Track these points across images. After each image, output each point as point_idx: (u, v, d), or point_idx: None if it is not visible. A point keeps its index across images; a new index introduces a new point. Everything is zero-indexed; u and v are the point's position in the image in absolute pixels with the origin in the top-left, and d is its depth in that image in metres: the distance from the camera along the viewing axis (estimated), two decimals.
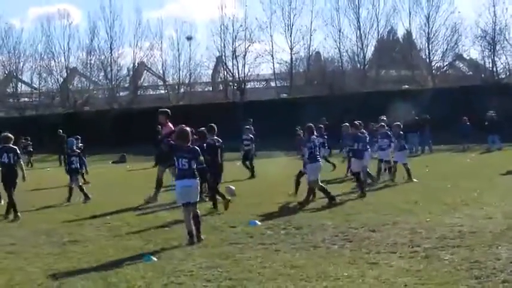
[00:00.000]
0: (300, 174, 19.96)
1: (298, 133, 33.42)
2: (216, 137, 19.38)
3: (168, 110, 21.02)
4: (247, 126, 29.31)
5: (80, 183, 22.07)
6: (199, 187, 13.47)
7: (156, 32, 73.54)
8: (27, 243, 13.74)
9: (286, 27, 68.10)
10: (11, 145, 18.39)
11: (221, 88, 74.42)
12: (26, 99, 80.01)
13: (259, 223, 14.68)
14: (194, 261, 11.05)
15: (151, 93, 77.68)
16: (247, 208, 17.51)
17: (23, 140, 47.33)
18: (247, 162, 28.17)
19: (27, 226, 16.02)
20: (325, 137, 27.60)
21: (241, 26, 68.12)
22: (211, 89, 76.47)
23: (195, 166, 13.17)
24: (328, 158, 29.12)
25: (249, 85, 71.55)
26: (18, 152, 18.68)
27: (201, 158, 13.53)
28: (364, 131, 22.84)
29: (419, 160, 34.75)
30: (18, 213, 17.84)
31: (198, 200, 13.37)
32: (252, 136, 28.70)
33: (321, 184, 18.51)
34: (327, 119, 44.55)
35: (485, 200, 17.12)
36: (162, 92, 76.32)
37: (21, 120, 65.82)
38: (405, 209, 15.92)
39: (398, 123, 25.09)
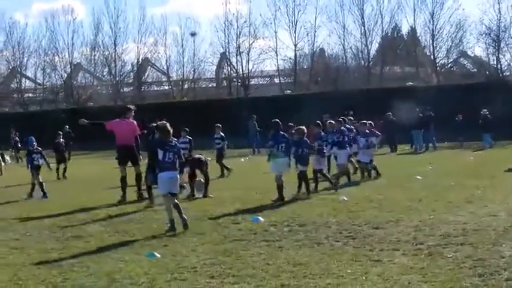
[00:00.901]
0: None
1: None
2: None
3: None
4: (218, 125, 28.34)
5: (41, 180, 22.05)
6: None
7: (160, 28, 73.89)
8: (30, 238, 13.77)
9: (291, 24, 68.23)
10: None
11: (225, 84, 74.46)
12: (30, 94, 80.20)
13: (262, 220, 14.67)
14: (197, 257, 11.06)
15: (155, 89, 77.83)
16: (250, 205, 17.51)
17: (13, 135, 47.54)
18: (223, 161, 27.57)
19: (30, 222, 16.03)
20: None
21: (245, 22, 68.27)
22: (215, 85, 76.54)
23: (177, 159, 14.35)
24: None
25: (253, 81, 71.62)
26: None
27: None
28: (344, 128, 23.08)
29: (423, 158, 34.79)
30: None
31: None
32: (222, 134, 28.00)
33: (281, 181, 18.53)
34: (330, 116, 44.57)
35: (488, 197, 17.13)
36: (166, 88, 76.45)
37: (25, 115, 65.88)
38: (409, 207, 15.91)
39: (365, 121, 24.99)
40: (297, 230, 13.37)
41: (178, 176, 14.65)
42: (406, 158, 35.93)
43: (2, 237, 13.94)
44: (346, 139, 22.57)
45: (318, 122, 22.97)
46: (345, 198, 17.56)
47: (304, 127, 20.25)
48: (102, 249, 12.16)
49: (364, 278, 9.32)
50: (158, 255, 11.29)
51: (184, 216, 14.07)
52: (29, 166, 22.49)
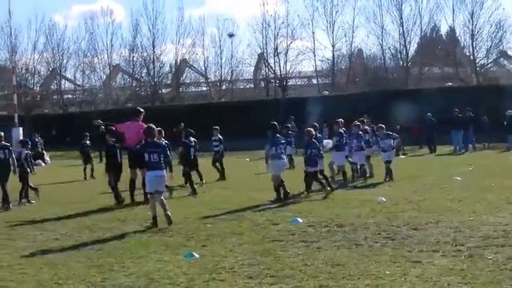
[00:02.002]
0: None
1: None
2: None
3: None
4: (215, 127, 27.91)
5: (31, 184, 22.06)
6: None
7: (198, 29, 73.83)
8: (70, 238, 13.90)
9: (328, 24, 68.00)
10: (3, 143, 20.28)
11: (263, 85, 74.45)
12: (70, 96, 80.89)
13: (300, 221, 14.66)
14: (236, 258, 11.08)
15: (193, 90, 78.01)
16: (289, 206, 17.53)
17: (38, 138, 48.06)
18: (217, 164, 27.43)
19: (70, 221, 16.18)
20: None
21: (283, 22, 68.08)
22: (252, 86, 76.56)
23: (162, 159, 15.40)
24: (292, 157, 30.01)
25: (290, 82, 71.43)
26: (11, 149, 20.60)
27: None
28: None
29: (463, 158, 34.50)
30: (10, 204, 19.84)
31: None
32: (220, 137, 27.70)
33: (279, 182, 19.12)
34: (368, 116, 44.43)
35: None
36: (204, 89, 76.64)
37: (64, 117, 66.50)
38: (448, 208, 15.79)
39: (358, 122, 24.82)
40: (335, 231, 13.34)
41: (164, 174, 15.61)
42: (445, 158, 35.64)
43: (42, 237, 14.09)
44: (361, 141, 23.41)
45: (315, 124, 22.85)
46: (383, 199, 17.48)
47: (312, 129, 20.73)
48: (141, 250, 12.23)
49: (403, 279, 9.26)
50: (196, 256, 11.33)
51: (168, 213, 14.87)
52: None
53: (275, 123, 20.07)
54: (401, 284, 9.04)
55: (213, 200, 19.61)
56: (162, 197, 15.35)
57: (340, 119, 24.36)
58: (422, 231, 12.89)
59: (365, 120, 28.09)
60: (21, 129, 50.51)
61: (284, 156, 19.96)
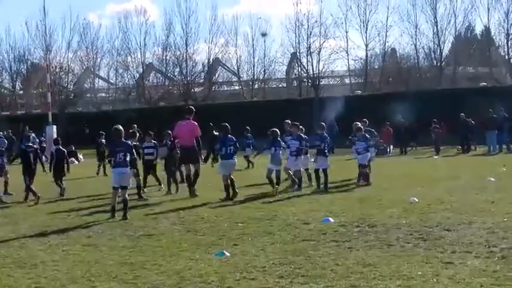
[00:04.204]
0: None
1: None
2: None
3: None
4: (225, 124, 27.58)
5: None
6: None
7: (231, 28, 74.08)
8: (103, 236, 14.00)
9: (362, 24, 67.97)
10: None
11: (295, 84, 74.42)
12: (103, 94, 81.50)
13: (332, 220, 14.64)
14: (267, 257, 11.09)
15: (225, 89, 78.21)
16: (320, 205, 17.51)
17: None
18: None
19: (103, 219, 16.29)
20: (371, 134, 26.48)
21: (316, 22, 68.04)
22: (285, 85, 76.54)
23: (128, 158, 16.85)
24: (249, 158, 31.34)
25: (323, 81, 71.32)
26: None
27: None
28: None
29: (496, 159, 34.17)
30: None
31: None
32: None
33: (228, 181, 19.91)
34: (402, 116, 44.26)
35: None
36: (236, 88, 76.84)
37: (98, 115, 66.96)
38: (482, 209, 15.66)
39: (359, 124, 24.23)
40: (367, 231, 13.30)
41: (129, 171, 17.17)
42: (479, 159, 35.34)
43: (75, 235, 14.21)
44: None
45: (296, 123, 22.83)
46: (416, 200, 17.39)
47: (276, 129, 21.83)
48: (172, 248, 12.29)
49: (435, 280, 9.21)
50: (228, 254, 11.36)
51: (127, 209, 16.53)
52: None
53: (226, 124, 20.59)
54: (433, 285, 8.99)
55: (244, 199, 19.65)
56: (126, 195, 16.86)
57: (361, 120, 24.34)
58: (455, 232, 12.81)
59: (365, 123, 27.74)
60: (55, 127, 50.95)
61: (234, 157, 20.48)
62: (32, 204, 20.38)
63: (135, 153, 18.20)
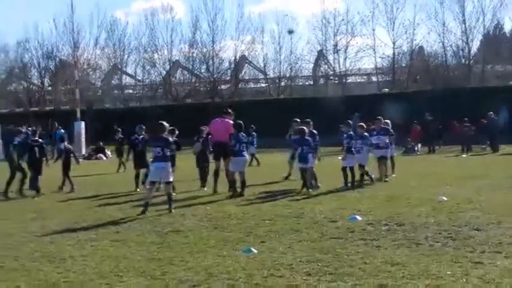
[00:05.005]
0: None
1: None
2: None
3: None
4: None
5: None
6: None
7: (258, 26, 74.52)
8: (131, 231, 14.05)
9: (389, 21, 67.65)
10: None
11: (322, 82, 74.29)
12: (130, 91, 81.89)
13: (360, 218, 14.60)
14: (294, 254, 11.08)
15: (251, 86, 78.24)
16: (348, 203, 17.47)
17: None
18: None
19: (132, 215, 16.35)
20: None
21: (342, 19, 68.06)
22: (311, 83, 76.43)
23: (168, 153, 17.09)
24: (255, 155, 31.94)
25: (350, 79, 71.18)
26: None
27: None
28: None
29: None
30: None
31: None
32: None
33: (234, 177, 20.38)
34: (430, 115, 44.02)
35: None
36: (263, 85, 76.83)
37: (125, 111, 67.27)
38: (511, 208, 15.54)
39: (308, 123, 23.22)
40: (395, 230, 13.25)
41: (169, 166, 17.18)
42: (507, 158, 35.03)
43: (104, 230, 14.28)
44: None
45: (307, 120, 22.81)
46: (445, 199, 17.30)
47: (305, 127, 21.53)
48: (200, 244, 12.32)
49: (464, 280, 9.16)
50: (255, 251, 11.37)
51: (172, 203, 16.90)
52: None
53: (240, 122, 20.84)
54: (463, 285, 8.94)
55: (271, 196, 19.67)
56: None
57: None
58: (484, 231, 12.73)
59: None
60: (83, 123, 51.32)
61: (245, 154, 20.82)
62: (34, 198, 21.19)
63: (174, 149, 18.32)
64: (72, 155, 24.12)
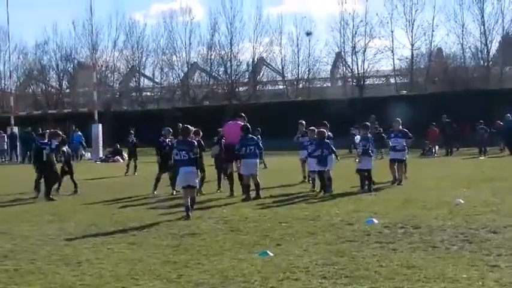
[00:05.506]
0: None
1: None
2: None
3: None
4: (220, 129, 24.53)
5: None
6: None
7: (276, 28, 74.20)
8: (147, 234, 14.09)
9: (408, 23, 67.57)
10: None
11: (340, 84, 74.22)
12: (148, 93, 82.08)
13: (376, 221, 14.56)
14: (310, 257, 11.07)
15: (269, 88, 78.24)
16: (364, 206, 17.44)
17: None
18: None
19: (148, 218, 16.39)
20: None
21: (361, 21, 67.99)
22: (329, 84, 76.40)
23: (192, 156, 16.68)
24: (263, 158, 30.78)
25: (368, 81, 71.06)
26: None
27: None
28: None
29: None
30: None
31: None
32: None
33: (249, 181, 20.20)
34: (447, 117, 43.83)
35: None
36: (281, 87, 76.87)
37: (143, 114, 67.44)
38: None
39: (313, 127, 22.64)
40: (412, 233, 13.21)
41: (194, 170, 16.85)
42: None
43: (120, 233, 14.31)
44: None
45: (312, 128, 22.62)
46: (461, 201, 17.23)
47: (325, 130, 21.56)
48: (216, 247, 12.33)
49: (480, 283, 9.12)
50: (271, 254, 11.37)
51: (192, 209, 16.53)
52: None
53: (247, 124, 20.90)
54: None
55: (288, 199, 19.68)
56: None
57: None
58: (501, 234, 12.66)
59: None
60: (100, 125, 51.52)
61: (255, 156, 20.56)
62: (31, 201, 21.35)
63: (198, 152, 17.61)
64: (71, 158, 24.30)
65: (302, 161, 24.70)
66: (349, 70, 70.90)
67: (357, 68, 69.20)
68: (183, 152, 16.64)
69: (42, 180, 22.27)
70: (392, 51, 68.66)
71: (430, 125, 43.71)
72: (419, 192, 20.07)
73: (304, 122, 24.76)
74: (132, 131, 34.19)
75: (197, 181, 17.40)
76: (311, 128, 22.47)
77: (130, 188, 24.15)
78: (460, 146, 44.86)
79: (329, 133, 21.96)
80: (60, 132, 23.71)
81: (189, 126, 17.52)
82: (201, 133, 21.21)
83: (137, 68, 78.64)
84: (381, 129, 38.07)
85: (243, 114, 22.36)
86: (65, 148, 23.77)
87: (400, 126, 23.85)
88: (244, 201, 19.44)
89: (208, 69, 75.69)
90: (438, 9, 67.77)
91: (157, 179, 22.63)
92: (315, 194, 20.58)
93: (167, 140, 22.91)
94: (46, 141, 22.52)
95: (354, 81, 70.08)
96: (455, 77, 65.44)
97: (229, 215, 16.51)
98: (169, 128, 23.66)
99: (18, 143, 49.94)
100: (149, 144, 34.24)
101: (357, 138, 22.95)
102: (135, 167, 32.15)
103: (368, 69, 69.17)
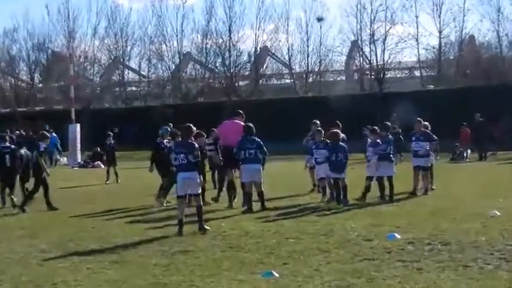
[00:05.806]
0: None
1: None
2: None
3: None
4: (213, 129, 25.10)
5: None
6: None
7: (282, 12, 74.22)
8: (133, 252, 14.11)
9: (435, 7, 67.51)
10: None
11: (356, 77, 74.26)
12: (134, 88, 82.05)
13: (398, 236, 14.58)
14: (322, 278, 11.10)
15: (275, 82, 78.24)
16: (385, 219, 17.45)
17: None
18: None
19: (134, 232, 16.40)
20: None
21: (381, 5, 67.91)
22: (344, 78, 76.43)
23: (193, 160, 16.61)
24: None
25: (388, 74, 71.06)
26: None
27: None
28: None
29: None
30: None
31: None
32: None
33: (251, 190, 20.22)
34: (481, 116, 43.81)
35: None
36: (288, 81, 76.85)
37: (128, 111, 67.54)
38: None
39: (320, 128, 22.78)
40: (439, 250, 13.24)
41: (196, 176, 16.81)
42: None
43: (101, 250, 14.32)
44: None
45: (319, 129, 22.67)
46: (497, 213, 17.25)
47: (339, 131, 21.47)
48: (212, 267, 12.36)
49: None
50: (276, 275, 11.39)
51: (202, 219, 16.64)
52: None
53: (250, 124, 20.78)
54: None
55: (296, 211, 19.71)
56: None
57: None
58: None
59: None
60: (78, 125, 51.34)
61: (257, 161, 20.45)
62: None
63: (199, 155, 17.23)
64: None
65: (310, 168, 24.57)
66: (367, 61, 70.87)
67: (376, 59, 69.14)
68: (182, 155, 16.62)
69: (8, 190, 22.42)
70: (416, 40, 68.71)
71: (460, 125, 43.73)
72: (449, 203, 20.11)
73: (318, 121, 24.42)
74: (110, 133, 34.21)
75: (200, 188, 17.33)
76: (318, 128, 22.41)
77: (112, 199, 24.22)
78: (496, 149, 44.85)
79: (342, 135, 21.81)
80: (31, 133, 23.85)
81: (191, 125, 17.47)
82: (205, 135, 21.25)
83: (121, 59, 78.66)
84: (399, 129, 38.13)
85: (241, 112, 22.32)
86: (22, 151, 23.54)
87: (428, 128, 23.60)
88: (245, 213, 19.45)
89: (204, 60, 75.71)
90: None
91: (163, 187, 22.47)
92: (325, 206, 20.55)
93: (165, 141, 22.87)
94: (7, 144, 22.72)
95: (373, 74, 70.06)
96: (490, 69, 65.48)
97: (228, 230, 16.54)
98: (168, 127, 23.68)
99: None
100: (138, 147, 34.30)
101: (369, 140, 22.90)
102: (116, 173, 32.20)
103: (389, 61, 69.04)
